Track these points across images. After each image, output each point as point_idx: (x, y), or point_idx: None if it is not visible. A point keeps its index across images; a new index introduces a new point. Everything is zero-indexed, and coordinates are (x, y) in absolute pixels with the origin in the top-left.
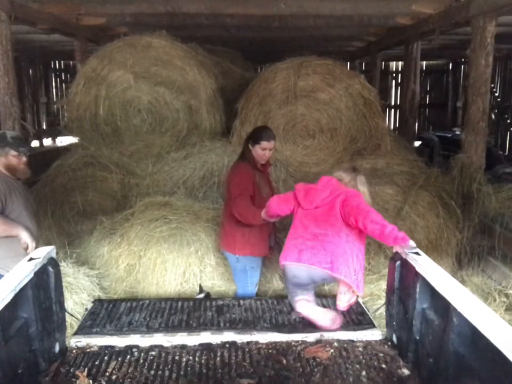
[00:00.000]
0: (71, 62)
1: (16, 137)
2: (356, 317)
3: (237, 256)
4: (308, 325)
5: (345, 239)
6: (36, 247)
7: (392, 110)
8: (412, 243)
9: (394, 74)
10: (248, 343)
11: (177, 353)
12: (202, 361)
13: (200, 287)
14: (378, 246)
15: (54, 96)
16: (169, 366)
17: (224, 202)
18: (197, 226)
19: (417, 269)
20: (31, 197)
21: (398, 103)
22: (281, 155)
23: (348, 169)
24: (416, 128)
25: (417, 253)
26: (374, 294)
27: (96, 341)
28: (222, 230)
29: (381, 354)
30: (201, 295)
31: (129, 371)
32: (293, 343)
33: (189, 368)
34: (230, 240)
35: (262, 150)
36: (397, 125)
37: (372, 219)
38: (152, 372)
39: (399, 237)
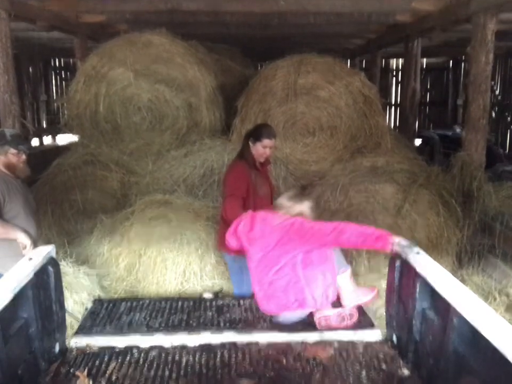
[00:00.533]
0: (71, 60)
1: (15, 135)
2: None
3: (234, 256)
4: (307, 325)
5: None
6: (35, 247)
7: (393, 107)
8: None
9: (394, 72)
10: (248, 343)
11: (177, 353)
12: (202, 361)
13: (216, 294)
14: None
15: (54, 94)
16: (169, 366)
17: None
18: (197, 225)
19: (417, 268)
20: (31, 195)
21: (398, 101)
22: (281, 153)
23: (291, 196)
24: (417, 126)
25: (417, 252)
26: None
27: (96, 341)
28: (218, 230)
29: (381, 355)
30: (209, 295)
31: (129, 371)
32: (293, 343)
33: (189, 368)
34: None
35: (262, 148)
36: (397, 123)
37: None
38: (152, 372)
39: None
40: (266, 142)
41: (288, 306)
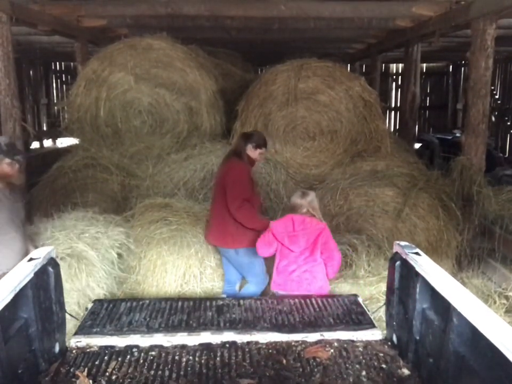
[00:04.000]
0: (71, 64)
1: (10, 145)
2: (356, 317)
3: (235, 249)
4: (307, 325)
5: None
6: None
7: (392, 112)
8: None
9: (394, 76)
10: (248, 343)
11: (177, 353)
12: (202, 361)
13: None
14: (378, 248)
15: (55, 98)
16: (169, 366)
17: (214, 197)
18: (197, 228)
19: (417, 269)
20: (21, 203)
21: (398, 105)
22: (282, 157)
23: (299, 196)
24: (416, 130)
25: (417, 253)
26: (373, 297)
27: (96, 341)
28: (212, 227)
29: (381, 354)
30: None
31: (129, 371)
32: (293, 343)
33: (189, 368)
34: (226, 235)
35: (260, 155)
36: (397, 127)
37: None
38: (152, 372)
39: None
40: (264, 150)
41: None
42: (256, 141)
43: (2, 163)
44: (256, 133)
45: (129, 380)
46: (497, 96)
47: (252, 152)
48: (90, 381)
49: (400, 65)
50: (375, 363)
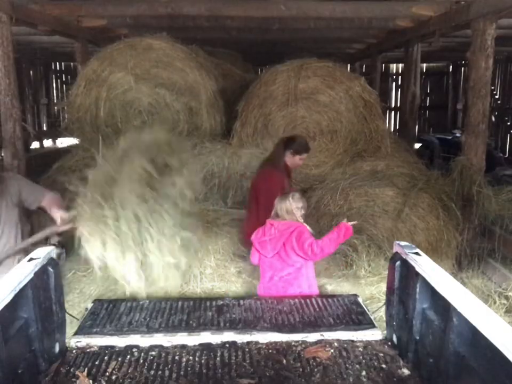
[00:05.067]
0: (71, 64)
1: None
2: (356, 317)
3: None
4: (307, 325)
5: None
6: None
7: (393, 112)
8: None
9: (394, 76)
10: (248, 343)
11: (177, 353)
12: (202, 361)
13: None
14: (378, 248)
15: (55, 98)
16: (169, 366)
17: (248, 203)
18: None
19: (417, 269)
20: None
21: (398, 105)
22: None
23: (281, 199)
24: (416, 130)
25: (417, 253)
26: (374, 297)
27: (96, 341)
28: (246, 233)
29: (381, 354)
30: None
31: (129, 371)
32: (293, 343)
33: (189, 368)
34: None
35: (299, 161)
36: (397, 127)
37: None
38: (152, 372)
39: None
40: (305, 156)
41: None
42: (294, 147)
43: None
44: (298, 138)
45: (129, 380)
46: (497, 96)
47: (291, 158)
48: (90, 381)
49: (400, 65)
50: (375, 363)
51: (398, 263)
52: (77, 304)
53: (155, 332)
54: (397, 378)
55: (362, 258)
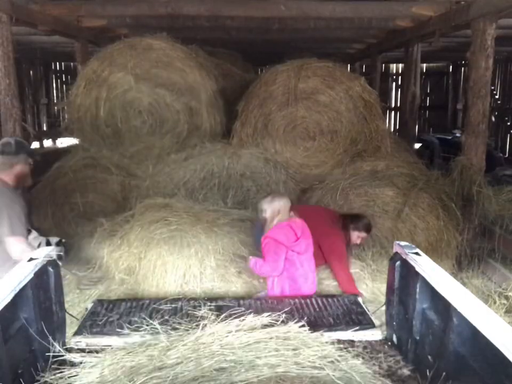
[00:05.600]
0: (71, 64)
1: (20, 143)
2: (356, 317)
3: None
4: (308, 325)
5: None
6: None
7: (393, 112)
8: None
9: (394, 77)
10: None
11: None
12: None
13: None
14: (381, 247)
15: (55, 98)
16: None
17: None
18: (197, 228)
19: (417, 269)
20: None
21: (398, 105)
22: (282, 157)
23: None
24: (416, 130)
25: (417, 253)
26: (374, 297)
27: (96, 341)
28: None
29: (381, 355)
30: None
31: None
32: None
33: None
34: None
35: (357, 238)
36: (397, 127)
37: None
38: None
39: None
40: (364, 235)
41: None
42: (356, 223)
43: (26, 163)
44: (360, 217)
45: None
46: (497, 96)
47: (351, 233)
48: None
49: (400, 65)
50: (375, 363)
51: (398, 263)
52: (77, 304)
53: (155, 332)
54: (397, 378)
55: (366, 260)
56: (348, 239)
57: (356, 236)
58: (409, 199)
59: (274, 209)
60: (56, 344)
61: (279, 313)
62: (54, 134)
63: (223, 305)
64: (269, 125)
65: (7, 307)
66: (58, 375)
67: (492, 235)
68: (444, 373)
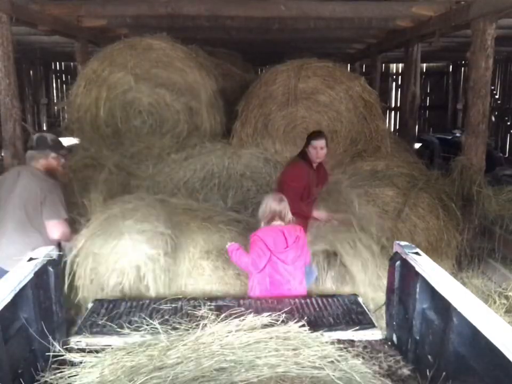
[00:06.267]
0: (71, 63)
1: (55, 140)
2: (356, 317)
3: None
4: (308, 325)
5: None
6: None
7: (393, 112)
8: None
9: (394, 76)
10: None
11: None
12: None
13: None
14: (381, 247)
15: (55, 98)
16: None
17: None
18: (195, 229)
19: (417, 269)
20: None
21: (398, 105)
22: (282, 157)
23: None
24: (416, 130)
25: (417, 253)
26: (374, 297)
27: (96, 341)
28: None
29: (381, 355)
30: None
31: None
32: None
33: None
34: None
35: (313, 149)
36: (397, 127)
37: None
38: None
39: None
40: (315, 143)
41: None
42: (307, 139)
43: (48, 157)
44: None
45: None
46: (497, 96)
47: (308, 150)
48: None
49: (400, 65)
50: (375, 363)
51: (398, 263)
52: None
53: (155, 331)
54: (397, 378)
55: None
56: (308, 160)
57: (312, 149)
58: (409, 199)
59: (274, 209)
60: (56, 344)
61: (279, 313)
62: (54, 134)
63: (223, 305)
64: (269, 125)
65: (7, 307)
66: (58, 375)
67: (492, 235)
68: (444, 373)
